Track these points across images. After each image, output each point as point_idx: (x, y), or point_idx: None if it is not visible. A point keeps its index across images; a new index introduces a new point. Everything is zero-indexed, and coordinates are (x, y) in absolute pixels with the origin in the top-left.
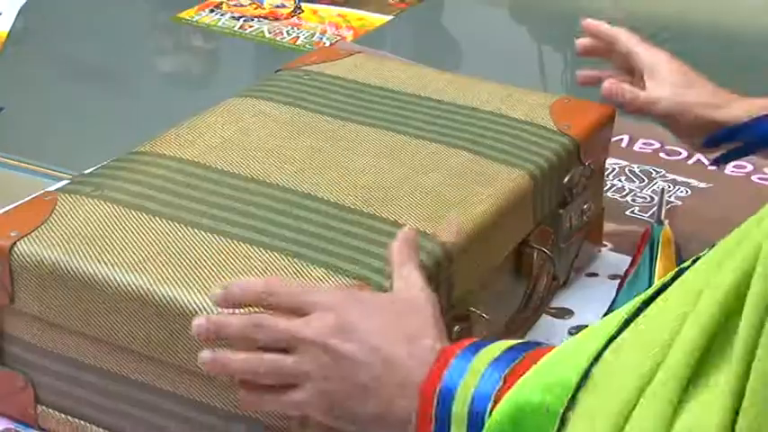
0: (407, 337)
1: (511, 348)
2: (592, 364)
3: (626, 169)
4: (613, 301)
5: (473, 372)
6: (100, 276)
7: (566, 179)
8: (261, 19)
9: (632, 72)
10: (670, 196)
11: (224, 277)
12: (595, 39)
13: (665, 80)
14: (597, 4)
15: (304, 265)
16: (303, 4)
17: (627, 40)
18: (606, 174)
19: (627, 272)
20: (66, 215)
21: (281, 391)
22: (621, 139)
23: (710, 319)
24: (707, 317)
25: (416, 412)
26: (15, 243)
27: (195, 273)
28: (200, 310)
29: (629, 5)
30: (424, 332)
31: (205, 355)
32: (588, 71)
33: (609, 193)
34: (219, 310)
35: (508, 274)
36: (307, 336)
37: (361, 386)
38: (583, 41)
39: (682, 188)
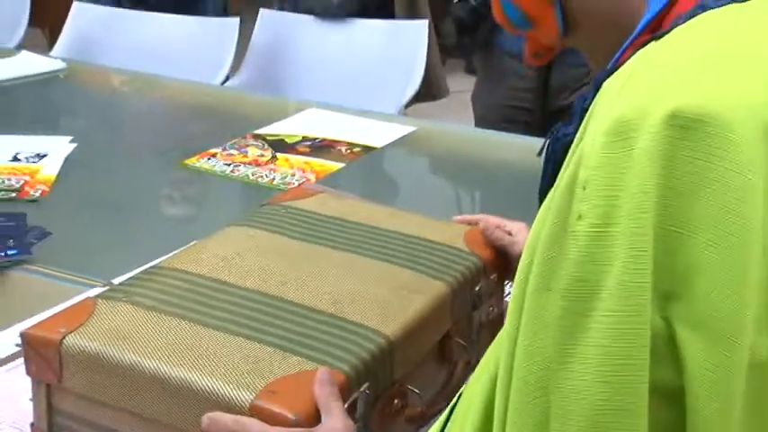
0: None
1: None
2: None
3: None
4: None
5: None
6: (130, 363)
7: (476, 289)
8: (246, 165)
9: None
10: None
11: (226, 364)
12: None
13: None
14: (506, 153)
15: (285, 354)
16: (277, 154)
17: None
18: (504, 284)
19: None
20: (104, 316)
21: None
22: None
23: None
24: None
25: None
26: (64, 337)
27: (203, 361)
28: (207, 390)
29: None
30: None
31: None
32: (462, 217)
33: (507, 298)
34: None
35: (435, 359)
36: None
37: None
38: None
39: None
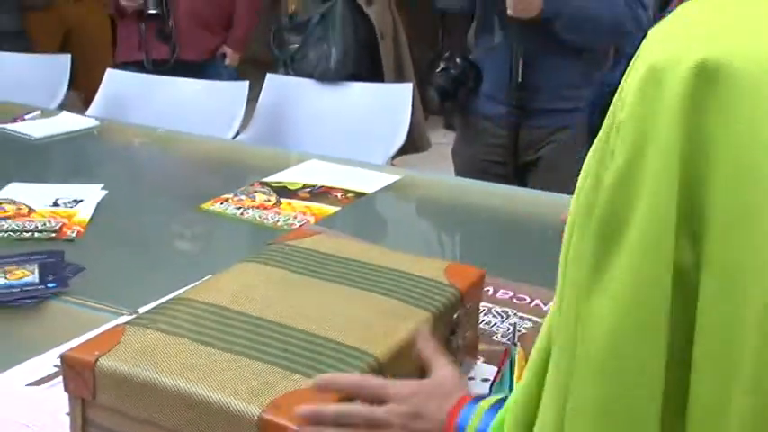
0: (447, 401)
1: (495, 403)
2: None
3: (492, 309)
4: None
5: (477, 415)
6: (154, 381)
7: (454, 316)
8: (254, 209)
9: None
10: (520, 327)
11: (237, 382)
12: None
13: None
14: (480, 199)
15: (287, 373)
16: (281, 199)
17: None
18: (480, 312)
19: (495, 377)
20: (132, 340)
21: None
22: (488, 290)
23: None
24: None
25: None
26: (98, 359)
27: (218, 379)
28: (221, 404)
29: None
30: (457, 393)
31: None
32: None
33: (481, 325)
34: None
35: (419, 377)
36: (388, 420)
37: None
38: None
39: (528, 322)
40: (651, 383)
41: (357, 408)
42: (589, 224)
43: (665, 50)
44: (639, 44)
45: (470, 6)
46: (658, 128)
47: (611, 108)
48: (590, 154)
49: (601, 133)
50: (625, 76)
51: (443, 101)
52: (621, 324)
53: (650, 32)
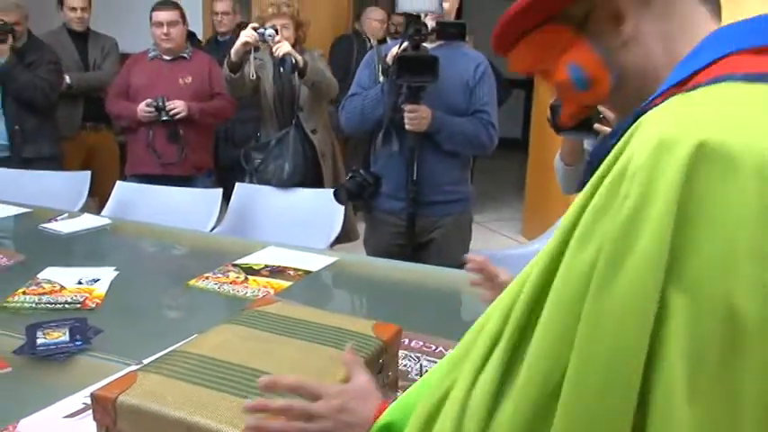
0: (367, 403)
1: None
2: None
3: (408, 355)
4: None
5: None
6: (162, 413)
7: (380, 360)
8: (228, 284)
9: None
10: (427, 367)
11: (221, 411)
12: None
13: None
14: (391, 273)
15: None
16: (248, 277)
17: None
18: (399, 357)
19: None
20: (143, 382)
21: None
22: (405, 341)
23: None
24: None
25: None
26: (117, 396)
27: (207, 410)
28: (210, 428)
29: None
30: (374, 399)
31: (249, 421)
32: (473, 259)
33: (400, 367)
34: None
35: None
36: (321, 412)
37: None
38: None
39: (433, 363)
40: (632, 380)
41: (297, 402)
42: (595, 236)
43: (672, 128)
44: (630, 124)
45: (377, 126)
46: (664, 183)
47: (606, 164)
48: (590, 191)
49: (608, 180)
50: (621, 144)
51: (351, 200)
52: (625, 325)
53: (647, 115)
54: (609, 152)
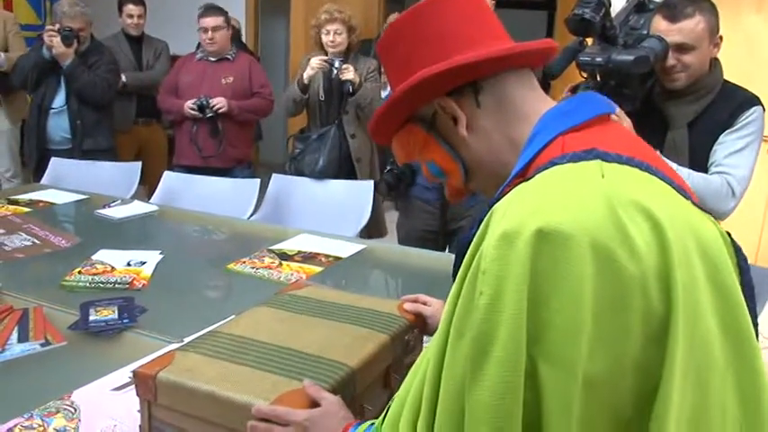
0: (333, 420)
1: (370, 425)
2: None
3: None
4: None
5: (360, 430)
6: (196, 388)
7: (405, 338)
8: (263, 268)
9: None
10: None
11: (254, 386)
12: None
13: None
14: (419, 260)
15: (288, 380)
16: (282, 262)
17: (420, 299)
18: (423, 339)
19: None
20: (181, 360)
21: None
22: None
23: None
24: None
25: None
26: (157, 373)
27: (240, 385)
28: (242, 402)
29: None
30: (341, 415)
31: None
32: (408, 297)
33: (424, 344)
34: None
35: (380, 386)
36: None
37: None
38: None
39: None
40: None
41: (266, 425)
42: (465, 330)
43: (512, 220)
44: (485, 213)
45: None
46: (512, 273)
47: (469, 256)
48: (459, 287)
49: (467, 278)
50: (479, 235)
51: (390, 191)
52: (498, 408)
53: (496, 207)
54: (470, 241)
